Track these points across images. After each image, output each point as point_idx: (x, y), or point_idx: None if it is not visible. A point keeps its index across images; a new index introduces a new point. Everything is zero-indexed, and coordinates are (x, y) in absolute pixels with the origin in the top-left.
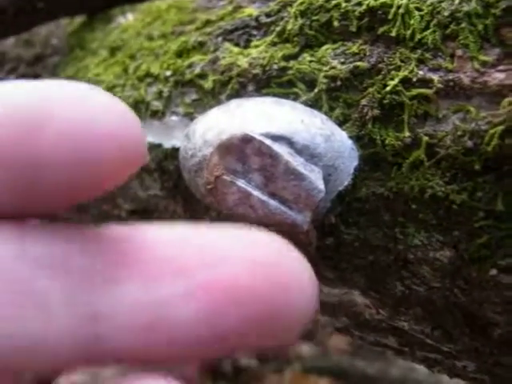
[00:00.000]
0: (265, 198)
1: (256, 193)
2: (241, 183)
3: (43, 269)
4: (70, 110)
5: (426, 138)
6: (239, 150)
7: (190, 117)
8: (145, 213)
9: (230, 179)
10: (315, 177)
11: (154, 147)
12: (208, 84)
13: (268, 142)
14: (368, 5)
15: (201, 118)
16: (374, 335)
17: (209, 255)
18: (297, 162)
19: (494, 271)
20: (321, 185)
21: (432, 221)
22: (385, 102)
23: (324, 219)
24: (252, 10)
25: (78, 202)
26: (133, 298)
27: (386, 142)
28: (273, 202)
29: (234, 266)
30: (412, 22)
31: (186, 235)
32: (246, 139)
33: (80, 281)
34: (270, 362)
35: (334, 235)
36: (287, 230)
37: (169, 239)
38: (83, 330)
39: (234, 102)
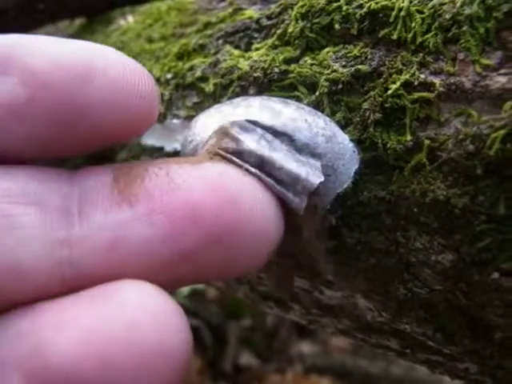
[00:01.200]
0: (262, 175)
1: (253, 170)
2: (238, 160)
3: (24, 205)
4: (114, 70)
5: (427, 142)
6: (237, 134)
7: (191, 120)
8: None
9: (227, 156)
10: (309, 169)
11: (155, 150)
12: (209, 87)
13: (269, 137)
14: (369, 7)
15: (206, 110)
16: (375, 337)
17: (166, 182)
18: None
19: (495, 274)
20: (315, 176)
21: (434, 224)
22: (386, 105)
23: (323, 220)
24: (252, 12)
25: (105, 146)
26: (98, 224)
27: (388, 145)
28: (269, 180)
29: (190, 190)
30: (413, 24)
31: (147, 168)
32: (247, 128)
33: (55, 216)
34: (271, 362)
35: (336, 239)
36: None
37: (133, 173)
38: (57, 255)
39: (241, 98)
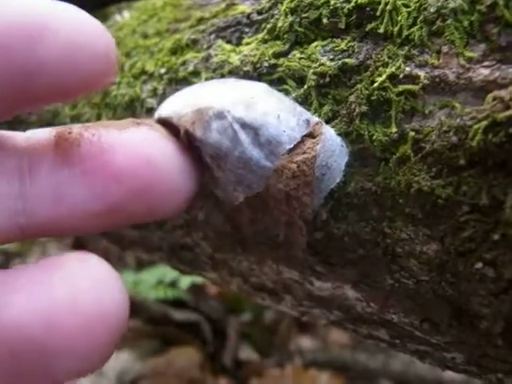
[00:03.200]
0: (214, 166)
1: (208, 160)
2: (197, 146)
3: None
4: (65, 27)
5: (412, 134)
6: (209, 121)
7: None
8: None
9: (191, 140)
10: (262, 174)
11: None
12: (201, 81)
13: (236, 126)
14: (356, 2)
15: (196, 84)
16: (366, 328)
17: (97, 148)
18: (252, 155)
19: (479, 264)
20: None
21: (418, 215)
22: (372, 98)
23: (316, 215)
24: (245, 7)
25: (63, 103)
26: (44, 182)
27: (374, 137)
28: (218, 174)
29: (115, 154)
30: (399, 18)
31: (82, 134)
32: (219, 116)
33: (11, 175)
34: (271, 357)
35: (324, 230)
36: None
37: (71, 138)
38: (13, 207)
39: (229, 80)
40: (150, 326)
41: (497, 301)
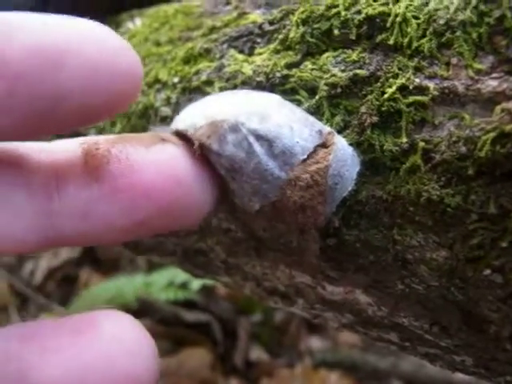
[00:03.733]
0: (229, 179)
1: (222, 172)
2: (213, 160)
3: (15, 186)
4: (87, 47)
5: (422, 144)
6: (224, 133)
7: None
8: None
9: (206, 153)
10: (277, 184)
11: None
12: (214, 91)
13: (251, 138)
14: (366, 13)
15: (211, 96)
16: (376, 331)
17: (126, 166)
18: (268, 165)
19: (487, 271)
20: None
21: (428, 223)
22: (383, 109)
23: (329, 223)
24: (256, 17)
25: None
26: (72, 198)
27: (385, 147)
28: (233, 185)
29: (144, 172)
30: (409, 30)
31: (110, 151)
32: (234, 129)
33: (39, 192)
34: (281, 357)
35: (337, 236)
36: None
37: (99, 155)
38: (42, 223)
39: (243, 92)
40: (161, 326)
41: (505, 306)
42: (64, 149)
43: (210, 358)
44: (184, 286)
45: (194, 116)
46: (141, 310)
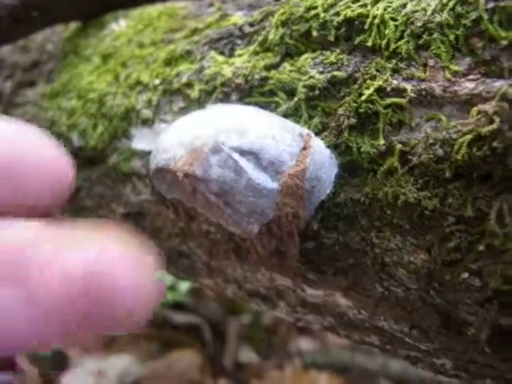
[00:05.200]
0: (221, 205)
1: (213, 199)
2: (202, 188)
3: None
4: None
5: (399, 146)
6: (206, 157)
7: None
8: (138, 216)
9: (191, 183)
10: (273, 196)
11: (144, 154)
12: (194, 93)
13: (236, 156)
14: (345, 15)
15: (182, 118)
16: (357, 334)
17: (45, 266)
18: (259, 179)
19: (465, 274)
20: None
21: (406, 225)
22: (361, 110)
23: (308, 226)
24: (237, 19)
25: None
26: None
27: (362, 149)
28: (227, 211)
29: (62, 279)
30: (387, 31)
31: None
32: (216, 150)
33: None
34: (270, 358)
35: (315, 240)
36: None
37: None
38: None
39: (215, 108)
40: (149, 328)
41: (482, 309)
42: None
43: (199, 360)
44: (172, 287)
45: (172, 147)
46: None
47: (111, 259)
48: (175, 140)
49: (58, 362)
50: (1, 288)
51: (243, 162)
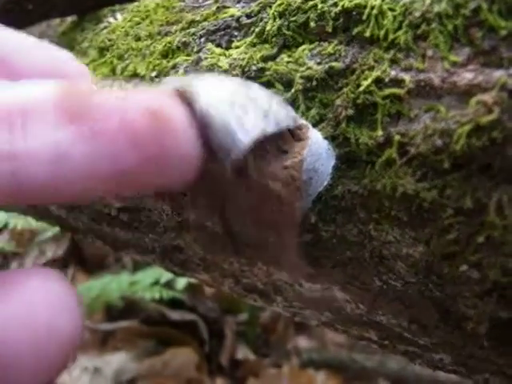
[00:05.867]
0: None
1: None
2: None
3: None
4: None
5: (398, 137)
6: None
7: None
8: (134, 211)
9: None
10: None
11: None
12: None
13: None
14: (343, 6)
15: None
16: (355, 329)
17: (112, 104)
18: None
19: (464, 267)
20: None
21: (404, 218)
22: (358, 101)
23: (305, 219)
24: (235, 11)
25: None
26: (42, 139)
27: (360, 140)
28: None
29: (129, 114)
30: (385, 22)
31: (94, 89)
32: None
33: (0, 131)
34: (267, 356)
35: (313, 232)
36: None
37: (79, 92)
38: (1, 167)
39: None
40: (146, 326)
41: (481, 302)
42: (36, 85)
43: (195, 358)
44: (169, 284)
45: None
46: (126, 309)
47: (170, 103)
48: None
49: None
50: (66, 126)
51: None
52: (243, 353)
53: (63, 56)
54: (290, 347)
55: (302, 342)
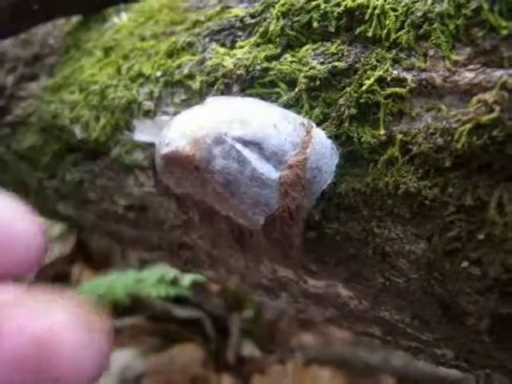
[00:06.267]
0: (228, 196)
1: (220, 190)
2: (209, 179)
3: None
4: None
5: (400, 136)
6: (209, 149)
7: None
8: (141, 209)
9: (197, 173)
10: (276, 186)
11: (146, 146)
12: (196, 84)
13: (239, 146)
14: (346, 6)
15: (184, 112)
16: (359, 325)
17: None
18: (263, 169)
19: (465, 263)
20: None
21: (406, 215)
22: (361, 101)
23: (309, 216)
24: (239, 11)
25: None
26: None
27: (363, 139)
28: (233, 201)
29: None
30: (387, 22)
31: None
32: (219, 141)
33: None
34: (273, 353)
35: (317, 230)
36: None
37: None
38: None
39: (215, 101)
40: (152, 323)
41: (482, 298)
42: None
43: (201, 355)
44: (175, 282)
45: (174, 140)
46: (132, 306)
47: (62, 327)
48: (177, 133)
49: None
50: None
51: (247, 153)
52: (248, 350)
53: (13, 213)
54: (294, 344)
55: (307, 338)
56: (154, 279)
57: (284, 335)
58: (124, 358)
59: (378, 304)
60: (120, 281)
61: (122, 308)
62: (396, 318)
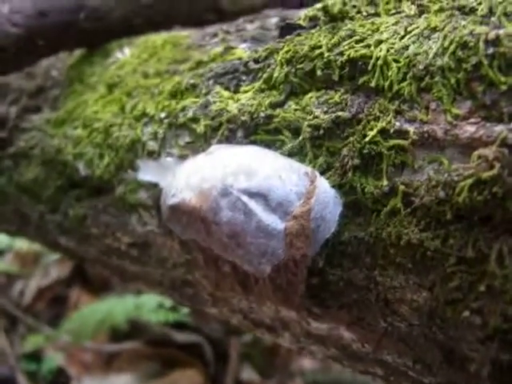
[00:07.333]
0: (233, 247)
1: (226, 240)
2: (213, 229)
3: None
4: None
5: (402, 187)
6: (215, 201)
7: (184, 159)
8: (144, 246)
9: (204, 223)
10: (282, 237)
11: (150, 186)
12: (200, 128)
13: (245, 198)
14: (349, 55)
15: (190, 160)
16: (361, 365)
17: None
18: (269, 221)
19: (466, 313)
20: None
21: (408, 265)
22: (364, 151)
23: (313, 263)
24: (242, 52)
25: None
26: None
27: (366, 189)
28: (239, 252)
29: None
30: (390, 73)
31: None
32: (225, 193)
33: None
34: (272, 377)
35: (320, 276)
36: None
37: None
38: None
39: (220, 149)
40: (151, 347)
41: (483, 347)
42: None
43: (200, 379)
44: (174, 307)
45: (180, 191)
46: (131, 330)
47: None
48: (183, 184)
49: (59, 381)
50: None
51: (252, 205)
52: (248, 374)
53: None
54: (294, 368)
55: (306, 362)
56: (153, 305)
57: (283, 359)
58: (122, 382)
59: (381, 348)
60: (119, 306)
61: (120, 332)
62: (398, 361)
